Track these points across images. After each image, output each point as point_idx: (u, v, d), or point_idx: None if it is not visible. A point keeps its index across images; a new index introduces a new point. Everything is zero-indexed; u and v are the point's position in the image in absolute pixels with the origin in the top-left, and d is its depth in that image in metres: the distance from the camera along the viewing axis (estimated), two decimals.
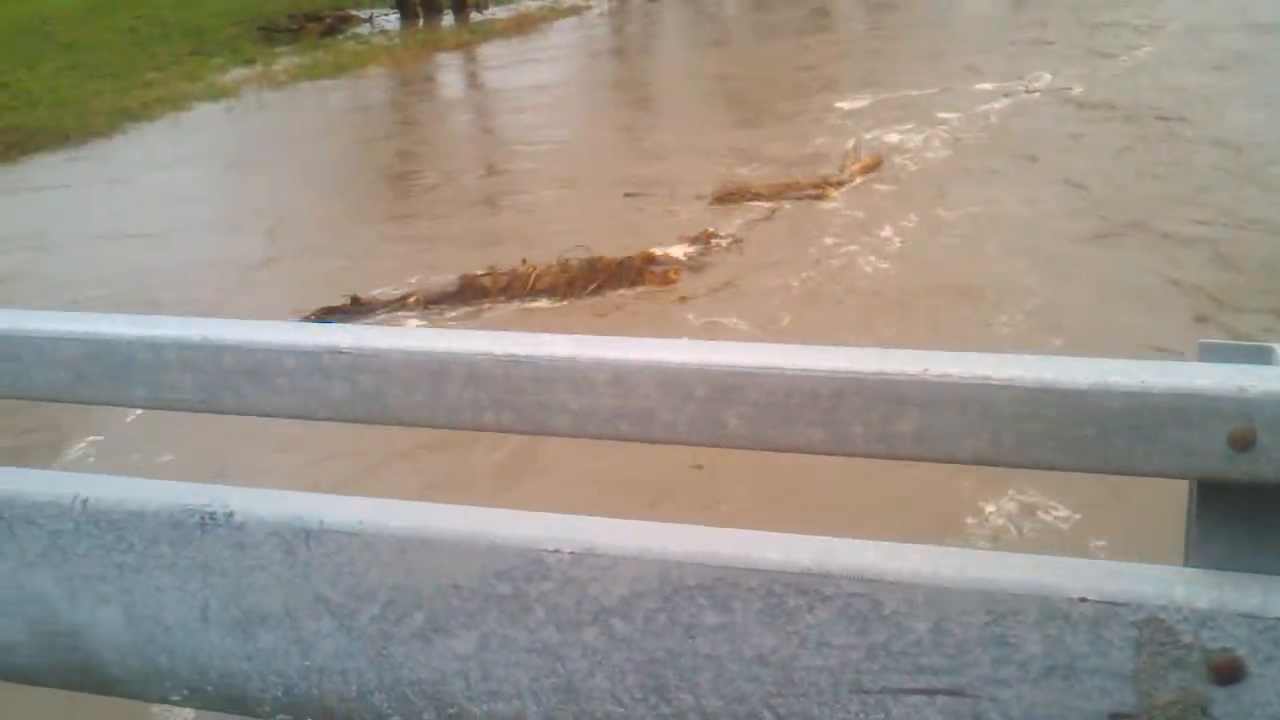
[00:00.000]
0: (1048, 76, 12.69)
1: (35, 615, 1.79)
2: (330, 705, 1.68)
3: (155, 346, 1.65)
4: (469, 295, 7.81)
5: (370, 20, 23.27)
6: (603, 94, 15.75)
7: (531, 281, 7.81)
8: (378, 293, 8.00)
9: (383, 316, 7.69)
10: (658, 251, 8.20)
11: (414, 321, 7.54)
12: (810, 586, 1.41)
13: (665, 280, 7.83)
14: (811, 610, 1.42)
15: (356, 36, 21.90)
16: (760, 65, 15.80)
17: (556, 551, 1.51)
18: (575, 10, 22.13)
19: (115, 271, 9.44)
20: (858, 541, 1.45)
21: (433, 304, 7.78)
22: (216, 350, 1.62)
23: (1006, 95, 12.16)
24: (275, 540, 1.64)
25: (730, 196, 9.50)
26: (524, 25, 21.00)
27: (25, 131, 15.42)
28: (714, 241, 8.48)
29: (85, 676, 1.82)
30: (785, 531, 1.50)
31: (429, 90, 17.57)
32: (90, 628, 1.78)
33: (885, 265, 7.84)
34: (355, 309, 7.76)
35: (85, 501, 1.72)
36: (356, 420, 1.61)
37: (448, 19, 22.92)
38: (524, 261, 8.06)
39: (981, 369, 1.34)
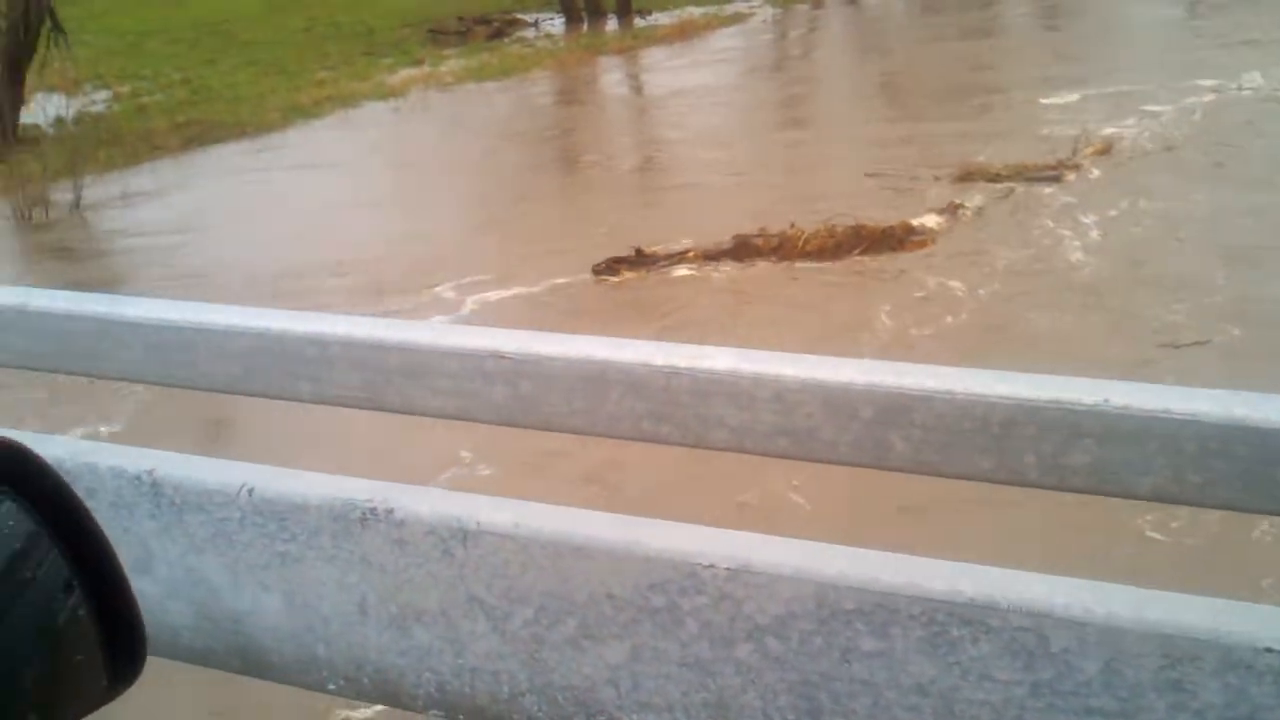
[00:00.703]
0: (1258, 76, 12.41)
1: (201, 599, 1.82)
2: (482, 704, 1.68)
3: (322, 343, 1.67)
4: (742, 253, 8.46)
5: (536, 24, 23.60)
6: (818, 91, 15.70)
7: (801, 243, 8.42)
8: (659, 247, 8.63)
9: (664, 266, 8.37)
10: (914, 221, 8.81)
11: (682, 270, 8.32)
12: (974, 617, 1.36)
13: (921, 245, 8.45)
14: (975, 642, 1.37)
15: (522, 40, 22.23)
16: (942, 65, 15.69)
17: (712, 566, 1.48)
18: (739, 17, 22.11)
19: (343, 249, 9.75)
20: (1026, 573, 1.39)
21: (709, 259, 8.45)
22: (381, 349, 1.63)
23: (1215, 93, 11.96)
24: (433, 539, 1.64)
25: (970, 175, 9.96)
26: (687, 31, 21.06)
27: (205, 125, 16.01)
28: (960, 213, 9.08)
29: (245, 661, 1.85)
30: (947, 559, 1.46)
31: (596, 91, 17.74)
32: (251, 614, 1.81)
33: (1092, 246, 8.28)
34: (640, 260, 8.46)
35: (252, 491, 1.75)
36: (514, 424, 1.60)
37: (611, 24, 23.12)
38: (792, 225, 8.68)
39: (1165, 401, 1.27)
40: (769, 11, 22.73)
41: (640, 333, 6.98)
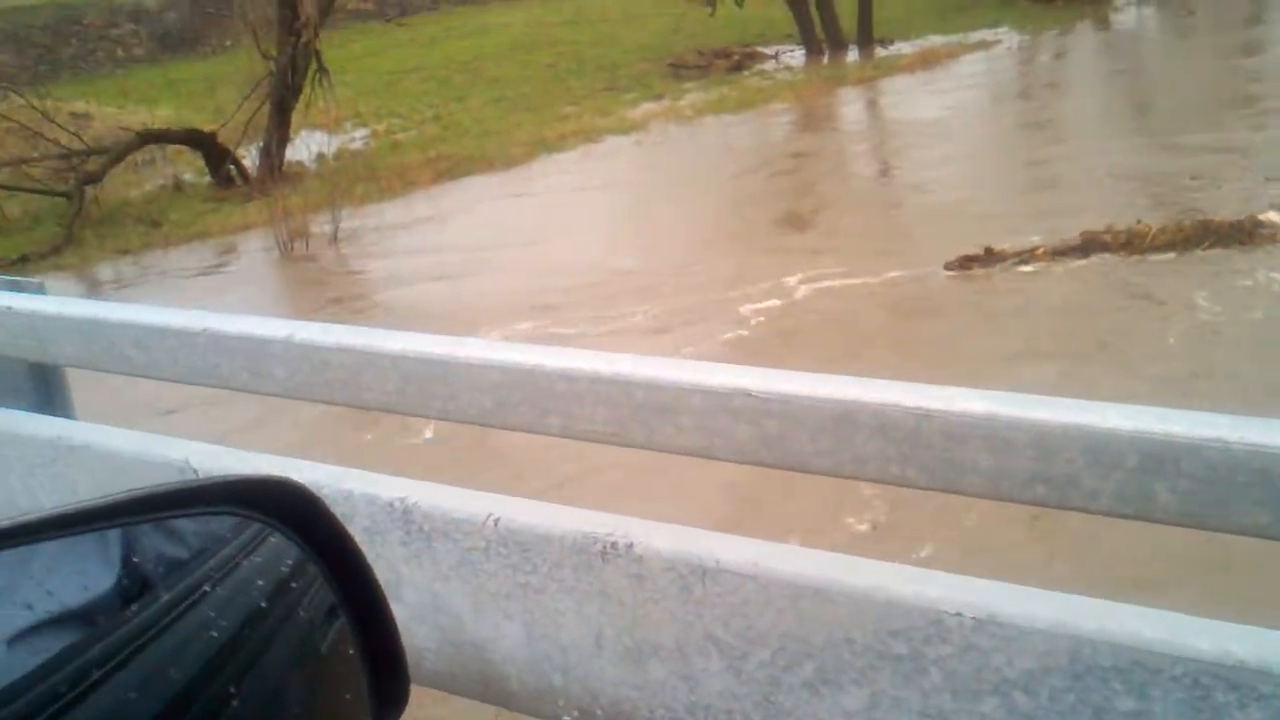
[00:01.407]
0: None
1: (445, 625, 1.87)
2: None
3: (571, 379, 1.70)
4: (1089, 248, 8.68)
5: (776, 56, 23.64)
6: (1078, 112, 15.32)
7: (1149, 238, 8.61)
8: (1006, 245, 8.90)
9: (1013, 263, 8.64)
10: (1261, 216, 8.84)
11: (1026, 269, 8.54)
12: (1243, 682, 1.28)
13: (1272, 239, 8.51)
14: (1243, 708, 1.28)
15: (761, 73, 22.30)
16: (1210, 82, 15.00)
17: (958, 615, 1.44)
18: (983, 45, 21.65)
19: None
20: None
21: (1058, 255, 8.69)
22: (628, 386, 1.64)
23: None
24: (671, 575, 1.64)
25: None
26: (929, 60, 20.73)
27: (455, 159, 16.62)
28: None
29: (486, 688, 1.90)
30: (1215, 619, 1.38)
31: (835, 123, 17.65)
32: (493, 642, 1.84)
33: None
34: (990, 258, 8.75)
35: (498, 521, 1.79)
36: (759, 463, 1.59)
37: (852, 54, 22.96)
38: (1138, 221, 8.89)
39: None
40: (1014, 39, 22.19)
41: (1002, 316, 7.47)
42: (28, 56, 32.67)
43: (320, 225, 13.17)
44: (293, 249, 12.79)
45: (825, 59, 22.88)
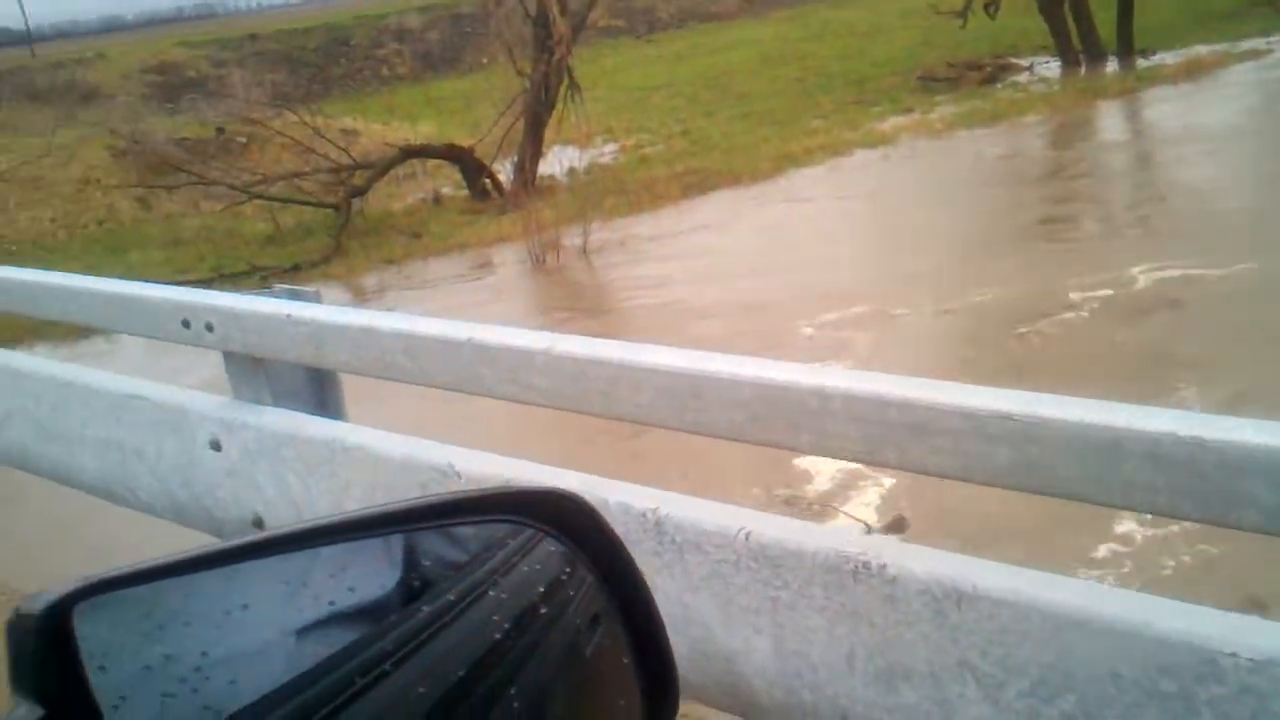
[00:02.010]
0: None
1: (695, 636, 1.90)
2: None
3: (824, 395, 1.70)
4: None
5: (1030, 68, 22.98)
6: None
7: None
8: None
9: None
10: None
11: None
12: None
13: None
14: None
15: (1015, 85, 21.72)
16: None
17: (1234, 655, 1.38)
18: (1254, 54, 20.50)
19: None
20: None
21: None
22: (882, 404, 1.63)
23: None
24: (925, 598, 1.62)
25: None
26: (1193, 70, 19.76)
27: (702, 174, 16.79)
28: None
29: (735, 700, 1.91)
30: None
31: (1096, 133, 17.05)
32: (742, 654, 1.86)
33: None
34: None
35: (749, 535, 1.81)
36: (1017, 488, 1.56)
37: (1111, 65, 22.12)
38: None
39: None
40: None
41: None
42: (300, 76, 34.64)
43: (571, 238, 13.50)
44: (545, 260, 13.16)
45: (1082, 70, 22.12)
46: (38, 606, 0.68)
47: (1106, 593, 1.52)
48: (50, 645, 0.68)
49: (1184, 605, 1.47)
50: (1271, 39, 21.47)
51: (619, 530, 1.93)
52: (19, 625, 0.68)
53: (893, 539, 1.69)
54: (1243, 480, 1.33)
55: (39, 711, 0.66)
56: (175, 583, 0.77)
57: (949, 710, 1.63)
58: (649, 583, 1.91)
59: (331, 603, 0.85)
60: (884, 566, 1.66)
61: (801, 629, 1.76)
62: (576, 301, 11.65)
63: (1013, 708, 1.56)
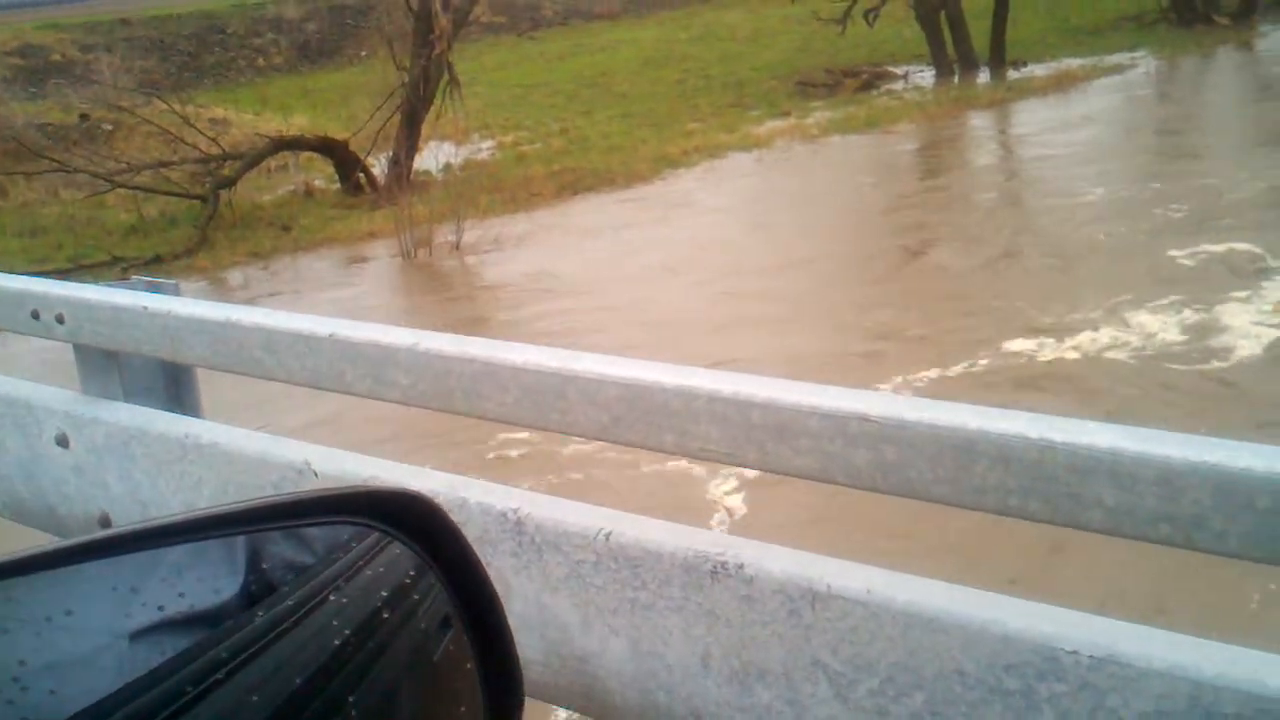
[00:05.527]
0: None
1: (552, 637, 1.88)
2: None
3: (688, 396, 1.69)
4: None
5: (906, 76, 23.43)
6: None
7: None
8: None
9: None
10: None
11: None
12: None
13: None
14: None
15: (890, 92, 22.11)
16: None
17: (1075, 652, 1.40)
18: (1119, 68, 21.17)
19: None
20: None
21: None
22: (745, 406, 1.63)
23: None
24: (781, 598, 1.63)
25: None
26: (1063, 83, 20.34)
27: (579, 173, 16.77)
28: None
29: (589, 701, 1.90)
30: None
31: (964, 143, 17.43)
32: (599, 656, 1.84)
33: None
34: None
35: (609, 535, 1.80)
36: (874, 489, 1.57)
37: (983, 76, 22.64)
38: None
39: None
40: (1151, 63, 21.67)
41: None
42: (172, 64, 33.77)
43: (445, 235, 13.38)
44: (416, 256, 13.02)
45: (956, 79, 22.60)
46: None
47: (956, 592, 1.54)
48: None
49: (1030, 603, 1.50)
50: (1135, 54, 22.20)
51: (478, 531, 1.91)
52: None
53: (753, 540, 1.69)
54: (1089, 482, 1.36)
55: None
56: None
57: (800, 710, 1.63)
58: (507, 584, 1.89)
59: (161, 608, 0.81)
60: (742, 566, 1.66)
61: (658, 629, 1.75)
62: (440, 295, 11.56)
63: (862, 706, 1.57)
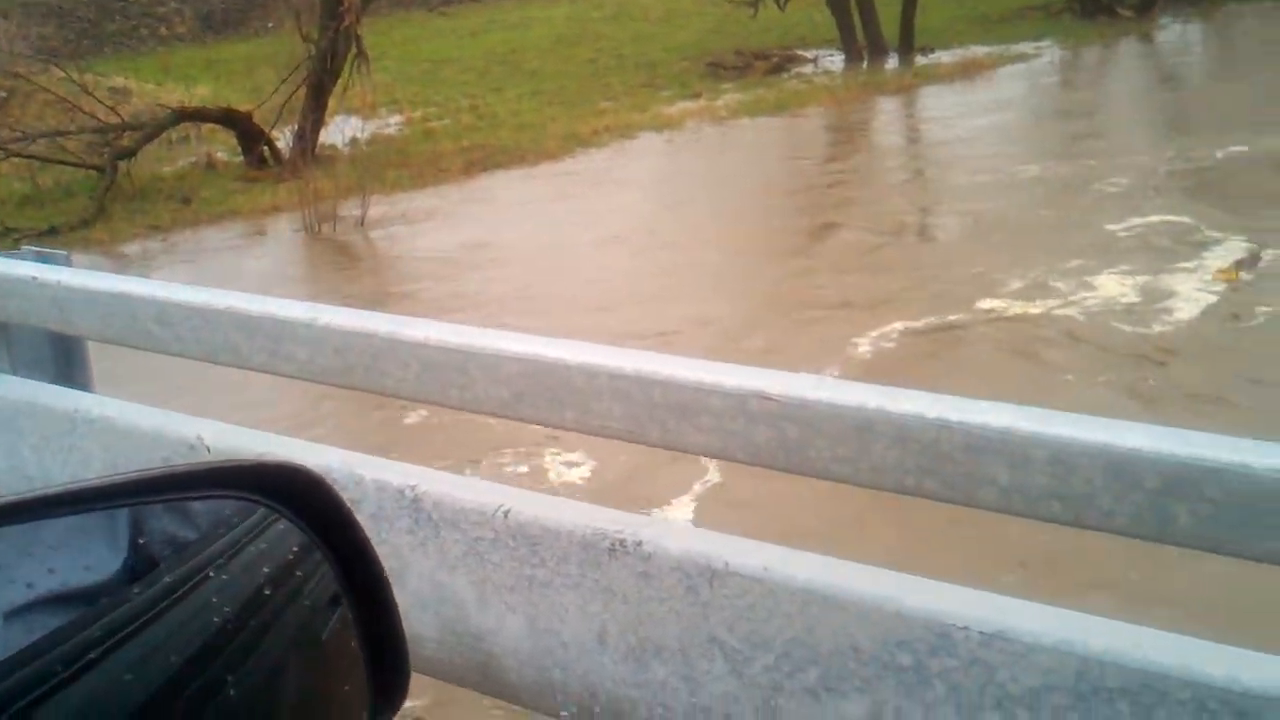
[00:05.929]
0: None
1: (448, 614, 1.87)
2: None
3: (590, 373, 1.68)
4: None
5: (815, 60, 23.57)
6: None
7: None
8: None
9: None
10: None
11: None
12: (1251, 709, 1.26)
13: None
14: None
15: (800, 76, 22.23)
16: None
17: (966, 629, 1.42)
18: (1024, 57, 21.50)
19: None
20: None
21: None
22: (647, 384, 1.63)
23: None
24: (679, 575, 1.63)
25: None
26: (970, 70, 20.60)
27: (488, 150, 16.64)
28: None
29: (484, 678, 1.89)
30: (1230, 644, 1.36)
31: (868, 131, 17.59)
32: (495, 633, 1.84)
33: None
34: None
35: (508, 513, 1.78)
36: (774, 467, 1.58)
37: (892, 61, 22.87)
38: None
39: None
40: (1056, 52, 22.04)
41: None
42: (71, 30, 32.87)
43: (350, 210, 13.21)
44: (320, 231, 12.84)
45: (865, 65, 22.79)
46: None
47: (851, 569, 1.55)
48: None
49: (924, 580, 1.52)
50: (1041, 43, 22.57)
51: (373, 507, 1.88)
52: None
53: (653, 517, 1.69)
54: (984, 461, 1.37)
55: None
56: None
57: (695, 685, 1.64)
58: (403, 561, 1.87)
59: (30, 585, 0.78)
60: (640, 544, 1.66)
61: (555, 606, 1.75)
62: (343, 272, 11.43)
63: (757, 682, 1.58)
